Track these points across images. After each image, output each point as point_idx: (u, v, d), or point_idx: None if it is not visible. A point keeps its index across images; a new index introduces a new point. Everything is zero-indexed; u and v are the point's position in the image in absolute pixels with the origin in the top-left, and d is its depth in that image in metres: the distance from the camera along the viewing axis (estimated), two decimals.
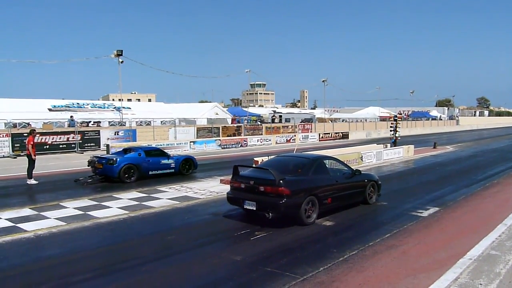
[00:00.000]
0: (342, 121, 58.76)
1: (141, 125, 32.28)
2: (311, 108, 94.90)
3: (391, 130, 25.01)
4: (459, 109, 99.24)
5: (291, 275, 5.95)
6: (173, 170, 15.19)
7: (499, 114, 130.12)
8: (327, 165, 9.25)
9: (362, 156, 18.93)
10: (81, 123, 28.61)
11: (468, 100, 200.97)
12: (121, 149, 16.09)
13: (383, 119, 61.78)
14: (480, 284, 5.72)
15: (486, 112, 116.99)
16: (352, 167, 10.60)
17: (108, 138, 25.29)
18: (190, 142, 26.95)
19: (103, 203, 10.63)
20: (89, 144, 24.85)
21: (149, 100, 79.66)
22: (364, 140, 38.71)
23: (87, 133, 25.08)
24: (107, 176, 13.78)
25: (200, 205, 10.63)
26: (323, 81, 48.50)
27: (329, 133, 40.34)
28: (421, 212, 9.90)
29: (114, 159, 13.77)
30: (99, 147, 24.98)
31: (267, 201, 7.97)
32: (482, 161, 21.43)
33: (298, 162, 9.09)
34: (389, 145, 23.53)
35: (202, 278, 5.95)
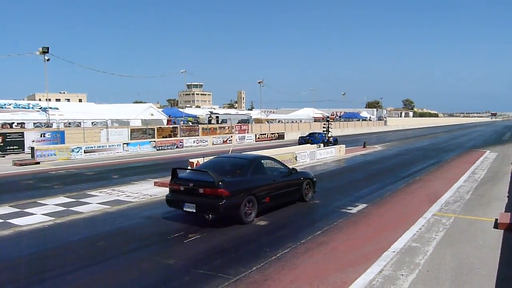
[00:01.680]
0: (278, 122, 59.90)
1: (69, 126, 30.63)
2: (248, 109, 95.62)
3: (324, 131, 25.89)
4: (386, 110, 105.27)
5: (224, 276, 5.95)
6: None
7: (422, 115, 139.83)
8: (264, 165, 9.44)
9: (296, 156, 19.40)
10: (2, 125, 26.59)
11: (395, 102, 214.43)
12: None
13: (317, 119, 63.80)
14: (402, 275, 6.10)
15: (411, 113, 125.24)
16: (288, 166, 11.00)
17: (33, 141, 23.78)
18: (124, 144, 26.06)
19: (25, 210, 9.97)
20: (11, 147, 23.26)
21: (80, 100, 75.82)
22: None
23: (9, 135, 23.43)
24: None
25: (133, 209, 10.31)
26: (259, 82, 49.17)
27: (265, 134, 40.92)
28: (350, 209, 10.34)
29: None
30: (23, 150, 23.42)
31: (206, 203, 7.98)
32: (407, 159, 22.88)
33: (236, 163, 9.18)
34: (322, 144, 24.32)
35: (133, 284, 5.78)
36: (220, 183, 7.96)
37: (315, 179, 11.31)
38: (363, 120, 75.17)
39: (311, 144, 25.15)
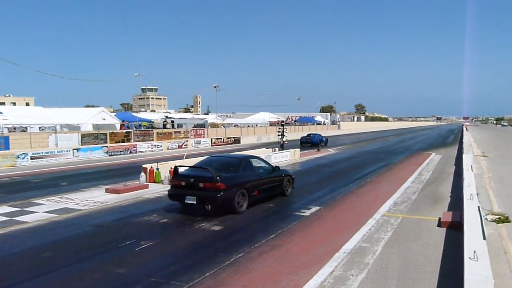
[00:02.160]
0: (234, 126, 59.88)
1: (14, 131, 29.09)
2: (205, 114, 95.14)
3: (279, 135, 26.20)
4: (340, 114, 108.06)
5: (177, 284, 5.87)
6: None
7: (374, 119, 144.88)
8: (253, 163, 10.77)
9: None
10: None
11: (348, 107, 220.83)
12: None
13: (272, 124, 64.37)
14: (352, 274, 6.28)
15: (363, 118, 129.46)
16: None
17: None
18: (73, 149, 25.09)
19: None
20: None
21: (27, 104, 72.20)
22: (255, 145, 39.93)
23: None
24: None
25: (82, 217, 9.94)
26: (215, 86, 49.02)
27: (221, 138, 40.81)
28: (304, 212, 10.51)
29: None
30: None
31: (206, 195, 9.20)
32: (358, 162, 23.61)
33: (229, 161, 10.47)
34: (277, 148, 24.60)
35: None
36: (218, 178, 9.19)
37: (293, 176, 12.64)
38: (317, 124, 76.76)
39: (311, 143, 30.28)
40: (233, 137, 42.76)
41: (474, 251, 5.12)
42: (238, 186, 9.72)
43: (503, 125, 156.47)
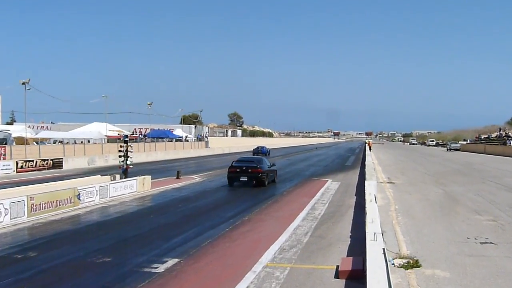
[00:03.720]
0: (54, 142, 57.03)
1: None
2: (7, 123, 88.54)
3: (121, 156, 25.58)
4: (208, 127, 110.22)
5: None
6: None
7: (253, 134, 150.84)
8: (265, 161, 28.82)
9: (79, 194, 18.66)
10: None
11: (219, 117, 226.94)
12: None
13: (112, 139, 62.70)
14: None
15: (240, 132, 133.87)
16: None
17: None
18: None
19: None
20: None
21: None
22: (85, 170, 38.50)
23: None
24: None
25: None
26: (24, 83, 45.76)
27: (33, 161, 38.48)
28: (157, 267, 10.42)
29: None
30: None
31: (253, 176, 26.01)
32: (233, 192, 24.33)
33: (257, 158, 29.85)
34: (118, 176, 24.01)
35: None
36: (258, 166, 26.55)
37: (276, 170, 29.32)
38: (177, 140, 77.03)
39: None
40: (52, 159, 40.61)
41: None
42: (264, 172, 25.94)
43: (411, 143, 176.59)
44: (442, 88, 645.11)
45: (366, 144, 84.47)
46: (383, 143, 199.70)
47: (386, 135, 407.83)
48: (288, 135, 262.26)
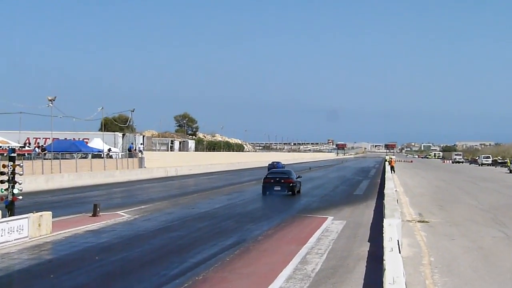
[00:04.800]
0: None
1: None
2: None
3: (3, 181, 25.12)
4: (144, 136, 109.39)
5: None
6: None
7: (214, 146, 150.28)
8: (293, 172, 51.39)
9: None
10: None
11: (161, 120, 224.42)
12: None
13: None
14: None
15: (192, 144, 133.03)
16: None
17: None
18: None
19: None
20: None
21: None
22: None
23: None
24: None
25: None
26: None
27: None
28: None
29: None
30: None
31: (285, 186, 47.14)
32: (182, 237, 24.10)
33: (288, 170, 54.59)
34: (0, 212, 23.72)
35: None
36: (290, 177, 48.38)
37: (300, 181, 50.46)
38: (94, 156, 76.22)
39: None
40: None
41: None
42: (294, 182, 47.22)
43: (455, 161, 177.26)
44: (500, 82, 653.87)
45: (386, 162, 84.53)
46: (411, 161, 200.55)
47: (416, 149, 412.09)
48: (267, 148, 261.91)
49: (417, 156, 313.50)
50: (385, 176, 56.44)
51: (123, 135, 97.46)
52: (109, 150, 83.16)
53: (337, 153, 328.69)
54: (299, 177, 50.17)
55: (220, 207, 37.50)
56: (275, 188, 46.10)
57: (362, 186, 59.78)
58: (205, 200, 42.25)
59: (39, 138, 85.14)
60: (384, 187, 39.88)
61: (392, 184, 43.04)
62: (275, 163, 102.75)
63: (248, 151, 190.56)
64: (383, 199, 30.27)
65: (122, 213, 32.03)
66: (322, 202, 40.92)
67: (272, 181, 47.20)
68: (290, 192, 46.58)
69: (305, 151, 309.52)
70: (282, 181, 46.80)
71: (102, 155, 77.92)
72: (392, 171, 73.58)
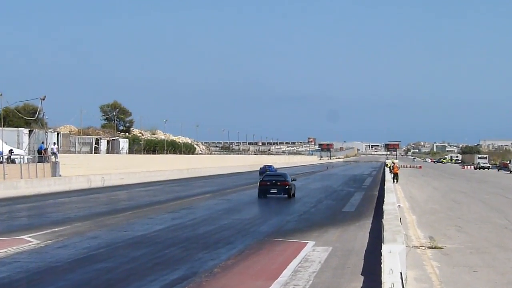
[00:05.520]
0: None
1: None
2: None
3: None
4: (60, 133, 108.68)
5: None
6: None
7: (155, 146, 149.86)
8: (288, 175, 71.98)
9: None
10: None
11: (82, 112, 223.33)
12: None
13: None
14: None
15: (125, 143, 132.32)
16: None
17: None
18: None
19: None
20: None
21: None
22: None
23: None
24: None
25: None
26: None
27: None
28: None
29: None
30: None
31: (281, 188, 65.39)
32: (111, 271, 23.82)
33: (283, 173, 74.97)
34: None
35: None
36: (285, 179, 66.94)
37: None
38: None
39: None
40: None
41: None
42: (290, 185, 65.06)
43: (479, 166, 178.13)
44: None
45: (387, 168, 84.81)
46: (420, 166, 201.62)
47: (426, 150, 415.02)
48: (226, 149, 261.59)
49: (428, 160, 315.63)
50: (385, 186, 56.79)
51: (30, 131, 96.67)
52: (11, 151, 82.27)
53: (321, 156, 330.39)
54: (293, 180, 66.24)
55: (162, 229, 37.29)
56: (271, 191, 61.63)
57: (354, 201, 60.23)
58: (142, 220, 42.04)
59: None
60: (384, 201, 40.00)
61: (395, 197, 43.19)
62: (267, 167, 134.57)
63: (201, 153, 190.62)
64: (382, 217, 30.36)
65: (29, 238, 31.72)
66: (301, 222, 40.92)
67: (268, 184, 62.70)
68: (286, 195, 62.07)
69: (277, 153, 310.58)
70: (278, 183, 62.36)
71: (0, 159, 77.26)
72: (395, 180, 74.50)
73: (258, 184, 65.27)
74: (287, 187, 60.77)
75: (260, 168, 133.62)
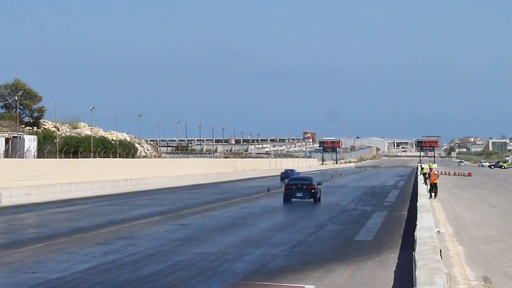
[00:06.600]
0: None
1: None
2: None
3: None
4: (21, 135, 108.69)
5: None
6: None
7: (78, 144, 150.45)
8: (314, 179, 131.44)
9: None
10: None
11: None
12: None
13: None
14: None
15: (32, 141, 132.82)
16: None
17: None
18: None
19: None
20: None
21: None
22: None
23: None
24: None
25: None
26: None
27: None
28: None
29: None
30: None
31: (307, 192, 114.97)
32: None
33: (309, 177, 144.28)
34: None
35: None
36: (311, 183, 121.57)
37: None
38: None
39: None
40: None
41: None
42: (315, 189, 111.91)
43: None
44: None
45: (421, 176, 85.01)
46: (469, 173, 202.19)
47: (478, 148, 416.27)
48: (183, 149, 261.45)
49: (486, 164, 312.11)
50: (418, 204, 56.76)
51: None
52: None
53: (323, 159, 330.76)
54: (319, 183, 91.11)
55: (88, 269, 37.23)
56: (297, 195, 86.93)
57: (372, 225, 60.10)
58: (59, 256, 42.01)
59: None
60: (416, 226, 39.89)
61: (432, 219, 43.27)
62: (288, 171, 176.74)
63: (145, 156, 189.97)
64: (414, 249, 30.30)
65: None
66: (293, 257, 40.87)
67: (294, 187, 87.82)
68: (312, 199, 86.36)
69: (258, 155, 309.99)
70: (304, 187, 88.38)
71: None
72: (432, 194, 74.53)
73: (283, 188, 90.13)
74: (313, 190, 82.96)
75: (281, 173, 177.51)
